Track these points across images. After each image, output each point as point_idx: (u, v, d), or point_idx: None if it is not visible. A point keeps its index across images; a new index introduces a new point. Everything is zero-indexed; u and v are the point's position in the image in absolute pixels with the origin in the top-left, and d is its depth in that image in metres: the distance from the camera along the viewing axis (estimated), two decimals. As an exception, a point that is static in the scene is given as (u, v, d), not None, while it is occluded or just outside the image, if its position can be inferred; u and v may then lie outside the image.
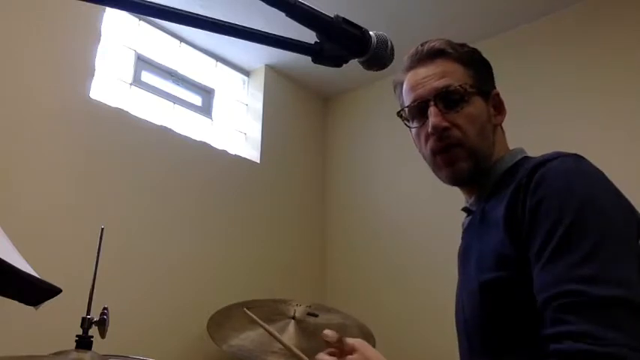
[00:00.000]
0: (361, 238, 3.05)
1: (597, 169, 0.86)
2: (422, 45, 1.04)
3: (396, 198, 2.96)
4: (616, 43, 2.42)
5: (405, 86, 1.05)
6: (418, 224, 2.81)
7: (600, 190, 0.81)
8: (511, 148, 1.05)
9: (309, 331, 2.21)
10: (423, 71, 1.01)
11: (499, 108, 1.05)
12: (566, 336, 0.71)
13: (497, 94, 1.06)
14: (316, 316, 2.26)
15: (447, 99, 0.98)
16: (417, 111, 1.01)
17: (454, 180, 1.01)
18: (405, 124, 1.05)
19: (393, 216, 2.96)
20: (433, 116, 0.97)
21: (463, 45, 1.05)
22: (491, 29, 2.78)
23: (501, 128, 1.06)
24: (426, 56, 1.02)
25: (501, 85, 2.96)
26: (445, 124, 0.96)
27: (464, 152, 0.97)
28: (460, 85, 0.98)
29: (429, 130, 0.97)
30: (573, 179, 0.81)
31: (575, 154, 0.89)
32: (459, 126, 0.97)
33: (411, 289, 2.71)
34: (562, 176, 0.82)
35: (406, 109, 1.03)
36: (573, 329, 0.70)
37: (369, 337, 2.24)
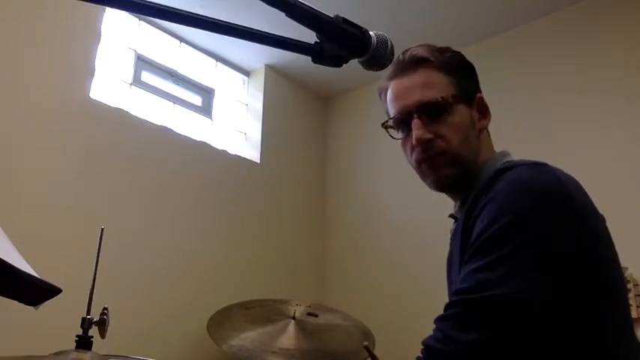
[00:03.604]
0: (361, 238, 3.05)
1: (552, 178, 0.86)
2: (404, 53, 1.03)
3: (396, 198, 2.96)
4: (616, 43, 2.42)
5: (389, 95, 1.06)
6: (418, 224, 2.81)
7: (537, 207, 0.81)
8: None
9: (309, 331, 2.21)
10: (406, 81, 1.02)
11: (483, 112, 1.05)
12: (435, 329, 0.80)
13: (481, 98, 1.05)
14: (316, 316, 2.26)
15: (430, 110, 0.98)
16: (402, 122, 1.02)
17: (439, 186, 1.02)
18: (390, 135, 1.06)
19: (393, 216, 2.96)
20: (416, 129, 0.98)
21: (446, 50, 1.05)
22: (491, 29, 2.78)
23: (487, 131, 1.06)
24: (409, 65, 1.02)
25: (501, 84, 2.96)
26: (428, 135, 0.97)
27: (448, 159, 0.98)
28: (442, 97, 0.98)
29: (413, 142, 0.99)
30: (516, 192, 0.83)
31: (534, 163, 0.90)
32: (443, 136, 0.98)
33: (411, 289, 2.71)
34: (508, 188, 0.85)
35: (391, 120, 1.05)
36: (439, 324, 0.79)
37: (369, 337, 2.24)
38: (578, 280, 0.79)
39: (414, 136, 0.98)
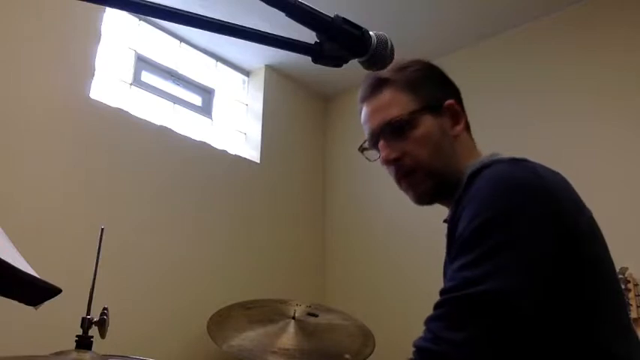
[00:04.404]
0: (361, 238, 3.05)
1: (530, 173, 0.85)
2: (368, 76, 1.06)
3: (396, 198, 2.94)
4: (616, 43, 2.42)
5: (361, 119, 1.09)
6: (418, 224, 2.81)
7: (518, 202, 0.81)
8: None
9: (309, 331, 2.21)
10: (371, 104, 1.06)
11: (456, 118, 1.05)
12: (425, 329, 0.80)
13: (451, 105, 1.05)
14: (316, 316, 2.26)
15: (392, 130, 1.01)
16: (373, 144, 1.06)
17: (421, 201, 1.04)
18: (366, 157, 1.10)
19: (393, 216, 2.96)
20: (382, 150, 1.01)
21: (408, 66, 1.06)
22: (491, 29, 2.78)
23: (467, 135, 1.06)
24: (373, 87, 1.05)
25: (501, 84, 2.95)
26: (393, 155, 1.00)
27: (421, 175, 1.00)
28: (400, 115, 1.00)
29: (383, 163, 1.03)
30: (494, 189, 0.84)
31: (511, 159, 0.90)
32: (409, 153, 1.00)
33: (411, 289, 2.71)
34: (486, 186, 0.86)
35: (365, 143, 1.08)
36: (429, 325, 0.79)
37: (369, 337, 2.24)
38: (562, 275, 0.79)
39: (381, 158, 1.02)
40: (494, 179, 0.85)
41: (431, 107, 1.02)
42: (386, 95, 1.03)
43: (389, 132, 1.01)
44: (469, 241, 0.81)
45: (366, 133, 1.07)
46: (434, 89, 1.06)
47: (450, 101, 1.05)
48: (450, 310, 0.78)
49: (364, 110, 1.07)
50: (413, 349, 0.80)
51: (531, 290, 0.77)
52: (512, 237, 0.78)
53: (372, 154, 1.08)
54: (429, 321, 0.80)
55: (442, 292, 0.81)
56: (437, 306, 0.80)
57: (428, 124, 1.01)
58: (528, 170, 0.86)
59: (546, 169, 0.89)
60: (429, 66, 1.09)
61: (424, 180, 1.00)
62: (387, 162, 1.01)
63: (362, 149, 1.09)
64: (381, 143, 1.02)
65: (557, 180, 0.88)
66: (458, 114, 1.05)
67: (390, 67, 1.03)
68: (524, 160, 0.90)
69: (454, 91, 1.09)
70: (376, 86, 1.05)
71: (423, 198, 1.03)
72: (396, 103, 1.02)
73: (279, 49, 0.64)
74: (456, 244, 0.83)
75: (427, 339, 0.78)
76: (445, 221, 1.08)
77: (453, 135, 1.03)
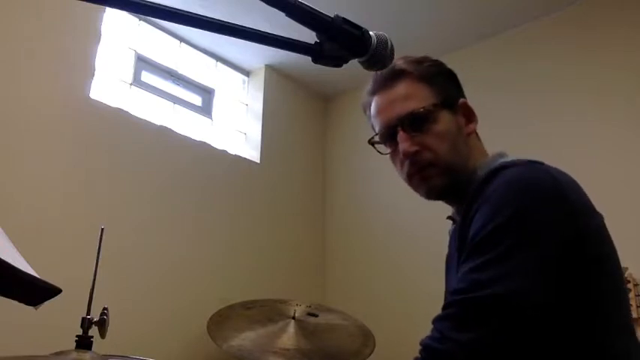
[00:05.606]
0: (361, 238, 3.05)
1: (547, 177, 0.85)
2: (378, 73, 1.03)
3: (396, 198, 2.95)
4: (616, 43, 2.42)
5: (372, 110, 1.06)
6: (418, 224, 2.81)
7: (531, 205, 0.81)
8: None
9: (309, 331, 2.21)
10: (386, 95, 1.02)
11: (469, 116, 1.04)
12: (432, 329, 0.80)
13: (465, 103, 1.05)
14: (316, 316, 2.26)
15: (413, 122, 0.98)
16: (387, 136, 1.02)
17: (431, 196, 1.01)
18: (378, 150, 1.06)
19: (393, 216, 2.96)
20: (402, 141, 0.98)
21: (423, 60, 1.05)
22: (491, 29, 2.78)
23: (476, 135, 1.06)
24: (388, 78, 1.02)
25: (501, 84, 2.95)
26: (414, 148, 0.97)
27: (438, 170, 0.98)
28: (424, 107, 0.98)
29: (401, 155, 0.99)
30: (510, 191, 0.84)
31: (529, 162, 0.90)
32: (429, 146, 0.97)
33: (411, 289, 2.71)
34: (502, 188, 0.85)
35: (377, 136, 1.05)
36: (436, 324, 0.80)
37: (369, 337, 2.24)
38: (572, 278, 0.79)
39: (400, 150, 0.98)
40: (510, 182, 0.85)
41: (448, 103, 1.01)
42: (403, 87, 1.01)
43: (410, 123, 0.98)
44: (481, 244, 0.81)
45: (377, 125, 1.04)
46: (448, 86, 1.05)
47: (463, 99, 1.05)
48: (457, 311, 0.78)
49: (376, 102, 1.04)
50: (419, 347, 0.80)
51: (539, 293, 0.77)
52: (523, 240, 0.78)
53: (382, 147, 1.04)
54: (436, 321, 0.81)
55: (452, 293, 0.81)
56: (445, 307, 0.81)
57: (446, 119, 1.00)
58: (544, 173, 0.86)
59: (561, 172, 0.88)
60: (441, 63, 1.07)
61: (439, 175, 0.98)
62: (407, 154, 0.97)
63: (372, 142, 1.05)
64: (400, 135, 0.98)
65: (572, 183, 0.88)
66: (472, 113, 1.05)
67: (403, 59, 1.02)
68: (540, 164, 0.90)
69: (462, 91, 1.09)
70: (391, 77, 1.02)
71: (435, 193, 1.00)
72: (414, 96, 1.00)
73: (279, 49, 0.64)
74: (469, 246, 0.83)
75: (434, 338, 0.79)
76: (449, 218, 1.08)
77: (467, 133, 1.02)
